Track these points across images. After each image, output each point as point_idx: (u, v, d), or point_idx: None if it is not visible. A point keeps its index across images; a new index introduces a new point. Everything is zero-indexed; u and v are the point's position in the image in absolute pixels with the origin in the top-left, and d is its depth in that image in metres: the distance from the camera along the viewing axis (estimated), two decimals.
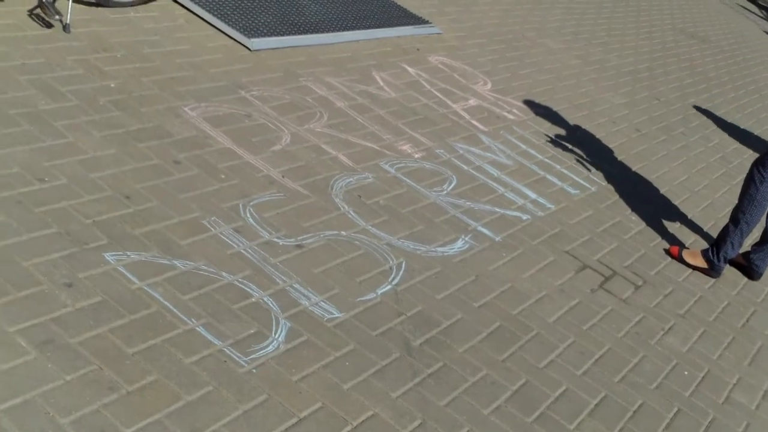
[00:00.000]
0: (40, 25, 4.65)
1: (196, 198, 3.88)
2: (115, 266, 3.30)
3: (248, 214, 3.92)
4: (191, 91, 4.70)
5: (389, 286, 3.88)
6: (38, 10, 4.69)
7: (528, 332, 3.98)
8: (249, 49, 5.42)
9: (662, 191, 6.03)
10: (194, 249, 3.57)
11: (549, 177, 5.52)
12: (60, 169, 3.67)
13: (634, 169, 6.20)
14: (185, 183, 3.95)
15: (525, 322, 4.04)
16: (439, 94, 6.00)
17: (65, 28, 4.67)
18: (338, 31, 6.24)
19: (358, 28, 6.43)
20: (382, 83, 5.80)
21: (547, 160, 5.74)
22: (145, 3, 5.34)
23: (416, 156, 5.06)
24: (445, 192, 4.82)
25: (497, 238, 4.60)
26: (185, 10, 5.54)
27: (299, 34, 5.90)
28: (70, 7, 4.70)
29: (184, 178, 3.98)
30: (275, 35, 5.71)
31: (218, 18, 5.57)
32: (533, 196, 5.20)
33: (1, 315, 2.89)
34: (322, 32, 6.09)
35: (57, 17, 4.62)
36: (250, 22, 5.72)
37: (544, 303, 4.24)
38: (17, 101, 3.98)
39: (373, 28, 6.56)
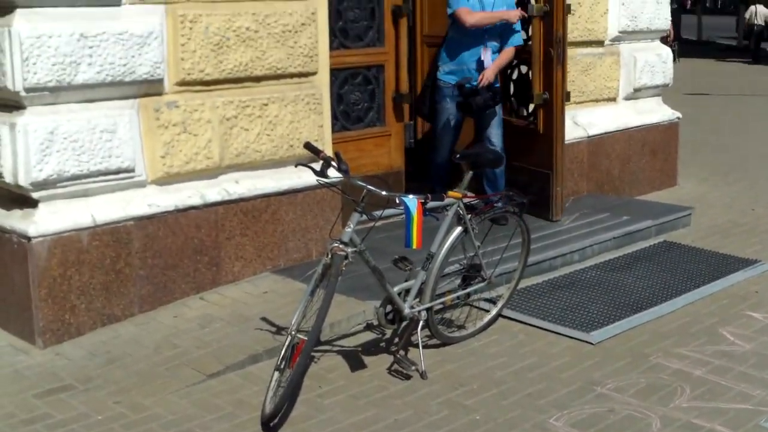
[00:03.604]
0: (401, 378, 5.04)
1: None
2: None
3: None
4: (550, 401, 4.81)
5: None
6: (395, 366, 5.11)
7: None
8: (591, 344, 5.52)
9: None
10: None
11: None
12: None
13: None
14: None
15: None
16: None
17: (422, 375, 5.03)
18: (670, 299, 6.22)
19: (689, 290, 6.39)
20: (732, 338, 5.64)
21: None
22: (485, 329, 5.66)
23: None
24: None
25: None
26: (522, 324, 5.80)
27: (634, 314, 5.95)
28: (422, 355, 5.09)
29: None
30: (612, 322, 5.79)
31: (553, 322, 5.77)
32: None
33: None
34: (656, 305, 6.11)
35: (413, 368, 5.01)
36: (583, 317, 5.87)
37: None
38: None
39: (703, 285, 6.50)
